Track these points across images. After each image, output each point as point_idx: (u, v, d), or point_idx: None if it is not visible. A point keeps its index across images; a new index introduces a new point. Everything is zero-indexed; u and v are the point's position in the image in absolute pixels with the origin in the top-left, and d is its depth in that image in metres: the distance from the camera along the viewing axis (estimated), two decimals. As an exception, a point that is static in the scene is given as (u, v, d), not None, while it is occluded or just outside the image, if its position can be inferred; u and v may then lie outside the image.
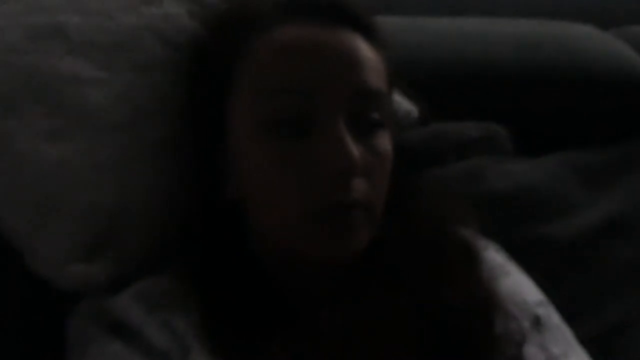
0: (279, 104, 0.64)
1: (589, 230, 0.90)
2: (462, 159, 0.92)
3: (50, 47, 0.71)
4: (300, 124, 0.63)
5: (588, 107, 1.03)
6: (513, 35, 1.05)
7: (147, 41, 0.73)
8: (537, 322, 0.67)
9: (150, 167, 0.71)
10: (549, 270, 0.78)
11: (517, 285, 0.71)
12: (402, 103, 0.85)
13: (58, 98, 0.70)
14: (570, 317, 0.71)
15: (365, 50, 0.66)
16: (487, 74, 1.00)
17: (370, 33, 0.68)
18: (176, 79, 0.73)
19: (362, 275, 0.65)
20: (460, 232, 0.71)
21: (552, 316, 0.70)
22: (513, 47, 1.03)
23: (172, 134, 0.72)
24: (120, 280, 0.68)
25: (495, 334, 0.64)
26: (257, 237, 0.68)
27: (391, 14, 0.98)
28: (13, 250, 0.70)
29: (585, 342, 0.70)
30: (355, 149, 0.62)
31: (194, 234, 0.69)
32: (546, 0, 1.31)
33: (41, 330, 0.72)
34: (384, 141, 0.67)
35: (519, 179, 0.92)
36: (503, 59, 1.02)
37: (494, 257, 0.73)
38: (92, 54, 0.72)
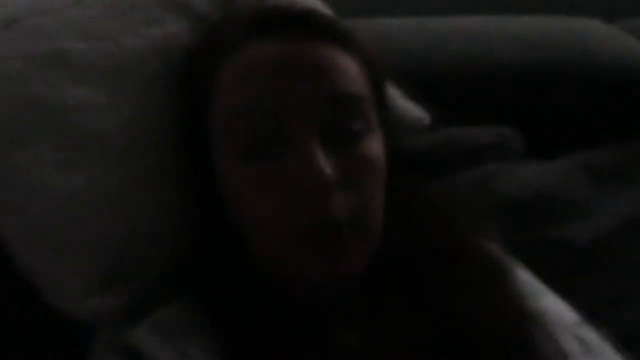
0: (249, 126, 0.61)
1: (605, 233, 0.89)
2: (474, 165, 0.91)
3: (53, 74, 0.70)
4: (274, 144, 0.61)
5: (595, 102, 1.02)
6: (519, 33, 1.04)
7: (150, 63, 0.72)
8: (583, 344, 0.65)
9: (159, 192, 0.70)
10: (565, 274, 0.77)
11: (554, 305, 0.69)
12: (413, 110, 0.84)
13: (65, 127, 0.69)
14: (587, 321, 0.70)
15: (334, 57, 0.63)
16: (494, 73, 1.00)
17: (340, 39, 0.65)
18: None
19: (377, 289, 0.64)
20: (484, 246, 0.69)
21: (592, 335, 0.67)
22: (519, 45, 1.02)
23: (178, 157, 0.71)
24: (136, 307, 0.67)
25: (529, 350, 0.63)
26: (257, 259, 0.66)
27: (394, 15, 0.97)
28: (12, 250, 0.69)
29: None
30: (326, 164, 0.59)
31: (200, 259, 0.68)
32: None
33: (41, 331, 0.72)
34: (371, 147, 0.63)
35: (533, 184, 0.91)
36: (510, 58, 1.01)
37: (524, 275, 0.71)
38: (97, 80, 0.71)
